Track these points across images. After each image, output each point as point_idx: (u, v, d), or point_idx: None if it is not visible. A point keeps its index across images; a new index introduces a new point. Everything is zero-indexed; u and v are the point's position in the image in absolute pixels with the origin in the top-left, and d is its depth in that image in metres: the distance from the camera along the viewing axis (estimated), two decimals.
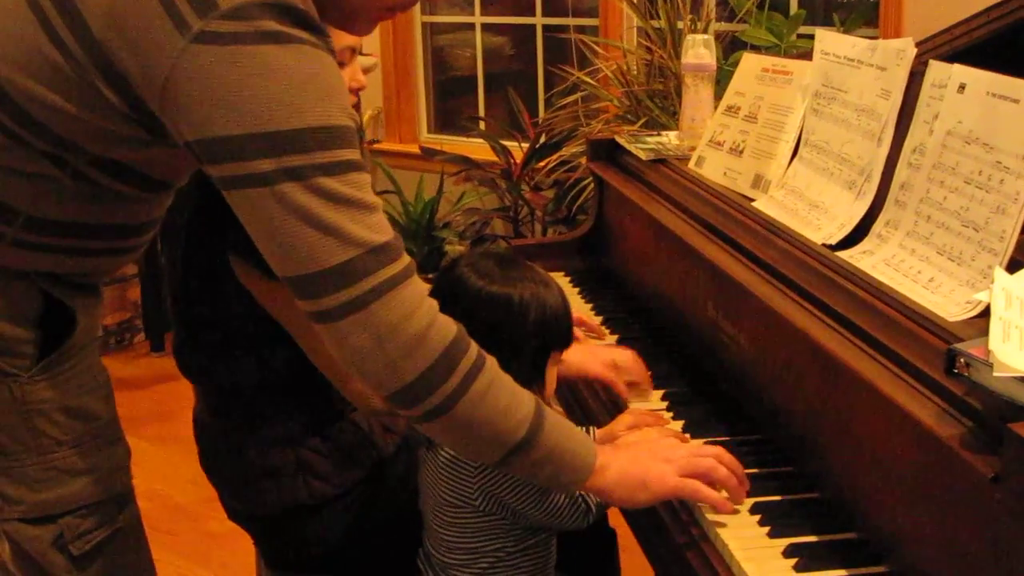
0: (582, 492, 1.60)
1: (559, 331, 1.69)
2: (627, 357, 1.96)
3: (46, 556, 1.59)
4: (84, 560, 1.61)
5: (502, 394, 1.43)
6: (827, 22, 3.90)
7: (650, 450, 1.59)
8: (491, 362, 1.44)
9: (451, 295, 1.64)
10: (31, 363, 1.54)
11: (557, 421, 1.49)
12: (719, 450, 1.59)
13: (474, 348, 1.41)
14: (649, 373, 1.96)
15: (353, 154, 1.33)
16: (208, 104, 1.26)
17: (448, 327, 1.39)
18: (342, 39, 1.84)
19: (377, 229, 1.33)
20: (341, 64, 1.86)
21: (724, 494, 1.55)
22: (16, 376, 1.53)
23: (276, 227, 1.30)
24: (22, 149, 1.42)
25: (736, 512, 1.52)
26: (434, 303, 1.39)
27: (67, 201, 1.49)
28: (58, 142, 1.41)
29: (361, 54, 2.06)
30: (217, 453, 1.92)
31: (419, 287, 1.38)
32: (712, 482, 1.54)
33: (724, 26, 4.03)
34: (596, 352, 1.97)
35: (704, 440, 1.73)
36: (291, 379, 1.82)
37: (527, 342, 1.63)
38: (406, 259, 1.37)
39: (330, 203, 1.29)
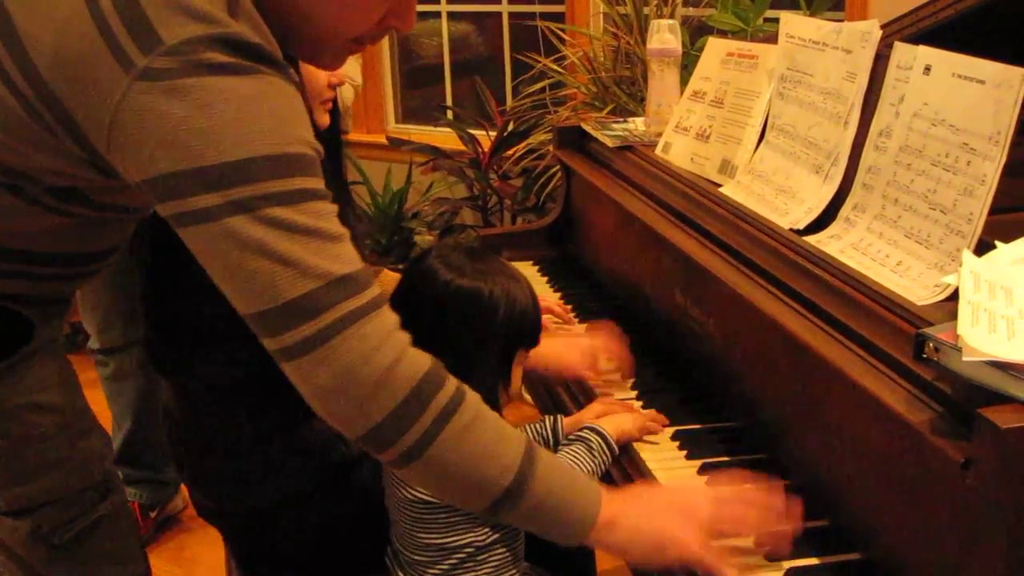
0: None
1: (527, 328, 1.66)
2: (605, 339, 1.95)
3: (26, 547, 1.59)
4: (65, 550, 1.60)
5: (484, 436, 1.35)
6: (793, 5, 3.89)
7: (669, 502, 1.46)
8: (472, 399, 1.36)
9: (420, 287, 1.62)
10: None
11: (552, 466, 1.41)
12: (746, 509, 1.43)
13: (451, 384, 1.34)
14: (628, 352, 1.94)
15: (311, 182, 1.27)
16: (153, 143, 1.21)
17: (419, 362, 1.32)
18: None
19: (339, 259, 1.27)
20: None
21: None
22: None
23: (229, 263, 1.25)
24: None
25: None
26: (405, 336, 1.33)
27: (20, 229, 1.45)
28: (15, 174, 1.37)
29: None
30: (186, 450, 1.91)
31: (386, 320, 1.31)
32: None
33: (691, 11, 4.01)
34: (574, 343, 1.95)
35: (675, 428, 1.72)
36: (261, 377, 1.79)
37: (495, 337, 1.60)
38: (373, 290, 1.30)
39: (285, 233, 1.23)
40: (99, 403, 2.77)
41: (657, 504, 1.46)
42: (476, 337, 1.58)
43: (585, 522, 1.41)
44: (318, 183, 1.28)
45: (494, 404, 1.54)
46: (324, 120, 1.90)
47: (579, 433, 1.68)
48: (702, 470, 1.61)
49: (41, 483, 1.57)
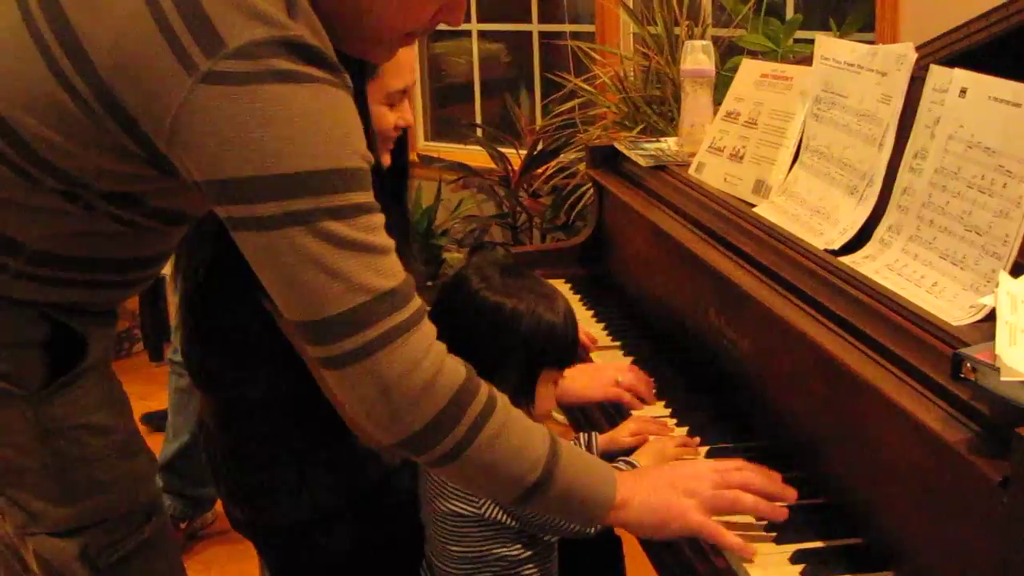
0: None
1: (552, 348, 1.67)
2: (627, 372, 1.97)
3: (72, 569, 1.58)
4: (111, 572, 1.60)
5: (514, 435, 1.41)
6: (823, 26, 3.90)
7: (672, 480, 1.54)
8: (503, 402, 1.42)
9: (451, 296, 1.67)
10: (41, 385, 1.52)
11: (573, 457, 1.47)
12: (746, 475, 1.54)
13: (484, 390, 1.39)
14: (651, 381, 1.96)
15: (364, 196, 1.30)
16: (214, 146, 1.23)
17: (457, 371, 1.37)
18: (394, 82, 1.84)
19: (386, 274, 1.31)
20: (391, 105, 1.87)
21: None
22: (27, 398, 1.52)
23: (282, 272, 1.28)
24: (31, 185, 1.39)
25: (754, 557, 1.46)
26: (442, 347, 1.37)
27: (76, 235, 1.47)
28: (69, 179, 1.39)
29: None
30: (222, 464, 1.92)
31: (428, 332, 1.35)
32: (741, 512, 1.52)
33: (721, 31, 4.03)
34: (597, 376, 1.96)
35: (708, 447, 1.73)
36: (300, 393, 1.82)
37: (514, 353, 1.62)
38: (416, 303, 1.34)
39: (337, 248, 1.27)
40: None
41: (663, 481, 1.54)
42: (496, 350, 1.60)
43: (605, 505, 1.48)
44: (370, 196, 1.31)
45: None
46: (386, 161, 1.91)
47: (616, 466, 1.68)
48: None
49: (89, 504, 1.57)
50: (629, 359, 2.10)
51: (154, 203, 1.48)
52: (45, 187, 1.40)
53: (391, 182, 1.86)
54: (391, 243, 1.34)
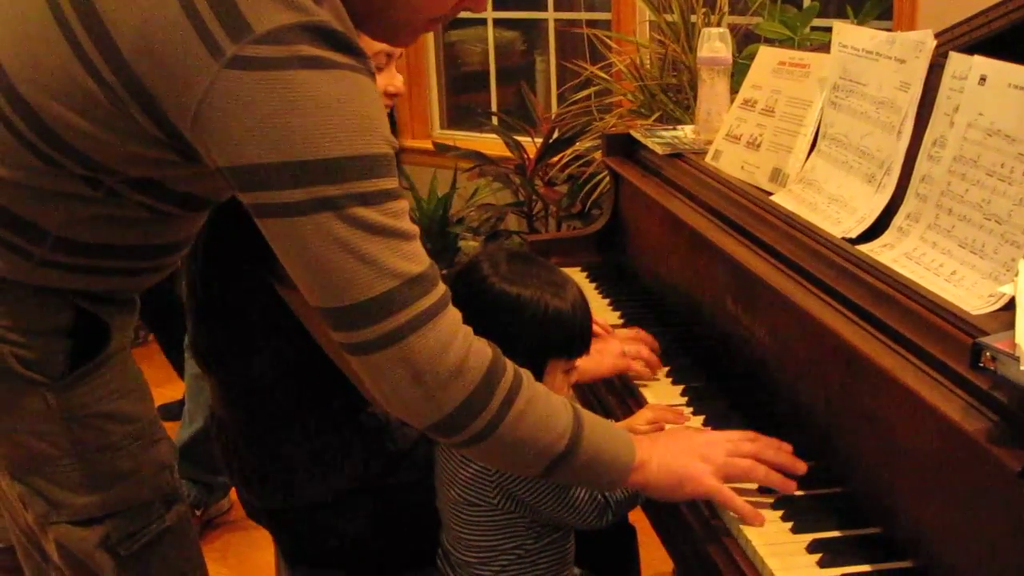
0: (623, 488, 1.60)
1: (560, 337, 1.66)
2: (632, 340, 2.00)
3: (94, 558, 1.59)
4: (132, 560, 1.61)
5: (540, 409, 1.42)
6: (840, 14, 3.89)
7: (689, 445, 1.59)
8: (527, 378, 1.43)
9: (463, 282, 1.66)
10: (65, 372, 1.53)
11: (594, 424, 1.49)
12: (759, 446, 1.59)
13: (510, 368, 1.40)
14: (656, 344, 2.01)
15: (390, 182, 1.30)
16: (241, 131, 1.23)
17: (484, 352, 1.38)
18: (376, 43, 1.83)
19: (414, 259, 1.31)
20: (378, 69, 1.86)
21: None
22: (50, 385, 1.52)
23: (310, 258, 1.28)
24: (55, 171, 1.40)
25: (763, 522, 1.50)
26: (469, 330, 1.38)
27: (99, 221, 1.47)
28: (93, 165, 1.39)
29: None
30: (234, 448, 1.93)
31: (455, 315, 1.36)
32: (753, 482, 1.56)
33: (737, 19, 4.01)
34: (604, 350, 1.96)
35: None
36: (307, 373, 1.82)
37: (521, 340, 1.61)
38: (441, 287, 1.34)
39: (367, 233, 1.26)
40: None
41: (678, 446, 1.59)
42: (504, 337, 1.59)
43: (626, 468, 1.52)
44: (395, 182, 1.31)
45: None
46: None
47: None
48: None
49: (111, 493, 1.58)
50: (623, 329, 2.12)
51: (177, 189, 1.48)
52: (69, 173, 1.40)
53: None
54: (416, 228, 1.34)
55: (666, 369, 2.00)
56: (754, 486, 1.57)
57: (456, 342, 1.33)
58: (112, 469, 1.59)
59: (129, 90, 1.29)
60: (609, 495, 1.62)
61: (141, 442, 1.62)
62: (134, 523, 1.61)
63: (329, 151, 1.24)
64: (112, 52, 1.28)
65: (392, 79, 1.91)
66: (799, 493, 1.55)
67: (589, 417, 1.49)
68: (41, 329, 1.51)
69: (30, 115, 1.36)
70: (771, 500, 1.54)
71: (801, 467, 1.57)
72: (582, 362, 1.82)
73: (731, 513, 1.52)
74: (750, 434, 1.63)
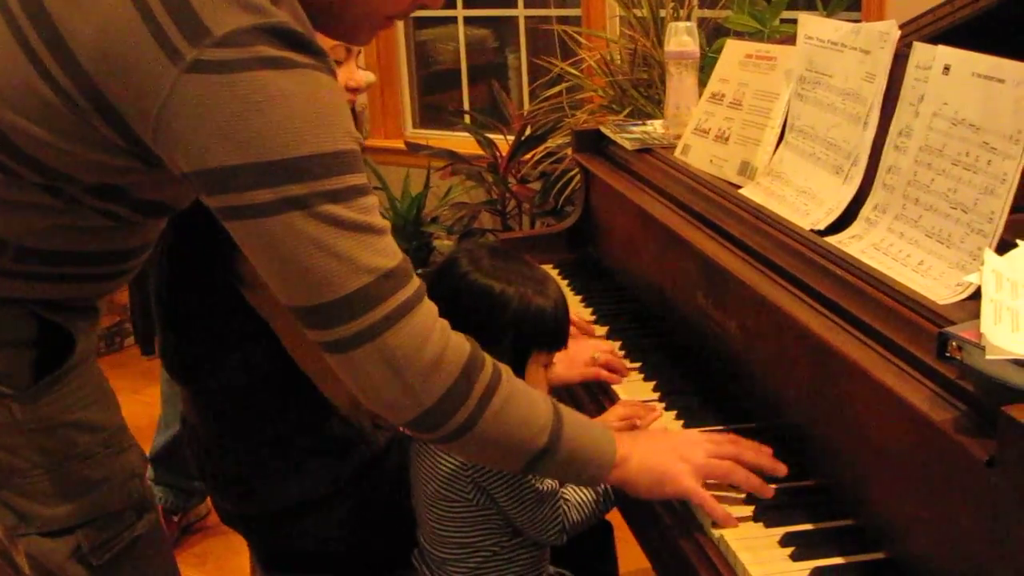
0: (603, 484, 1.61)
1: (541, 331, 1.67)
2: (601, 348, 2.00)
3: (65, 569, 1.57)
4: (104, 570, 1.59)
5: (520, 405, 1.42)
6: (810, 6, 3.89)
7: (670, 444, 1.59)
8: (507, 373, 1.42)
9: (441, 278, 1.67)
10: (28, 383, 1.51)
11: (574, 419, 1.49)
12: (740, 448, 1.58)
13: (489, 363, 1.40)
14: (624, 361, 2.00)
15: (358, 178, 1.29)
16: (204, 135, 1.22)
17: (462, 346, 1.37)
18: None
19: (386, 253, 1.30)
20: (337, 63, 1.85)
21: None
22: (15, 396, 1.51)
23: (282, 257, 1.27)
24: (13, 181, 1.38)
25: (736, 525, 1.49)
26: (446, 323, 1.37)
27: (60, 230, 1.45)
28: (52, 174, 1.37)
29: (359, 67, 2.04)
30: (207, 455, 1.91)
31: (431, 309, 1.36)
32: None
33: (707, 12, 4.01)
34: (573, 357, 1.96)
35: (698, 430, 1.73)
36: (278, 377, 1.81)
37: (503, 335, 1.62)
38: (416, 281, 1.34)
39: (337, 230, 1.26)
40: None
41: (660, 444, 1.59)
42: (486, 332, 1.59)
43: (607, 464, 1.51)
44: (363, 177, 1.31)
45: None
46: None
47: None
48: None
49: (81, 502, 1.57)
50: (615, 343, 2.10)
51: (138, 195, 1.47)
52: (26, 183, 1.38)
53: None
54: (386, 223, 1.33)
55: (638, 365, 1.99)
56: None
57: (433, 336, 1.33)
58: (81, 479, 1.57)
59: (88, 99, 1.28)
60: (566, 520, 1.64)
61: (110, 450, 1.60)
62: (105, 532, 1.60)
63: (294, 150, 1.23)
64: (69, 60, 1.27)
65: (352, 74, 1.90)
66: (771, 486, 1.54)
67: (569, 413, 1.49)
68: (4, 341, 1.50)
69: None
70: (743, 495, 1.54)
71: (781, 470, 1.56)
72: (554, 370, 1.83)
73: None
74: (731, 436, 1.62)
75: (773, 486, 1.54)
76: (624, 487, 1.57)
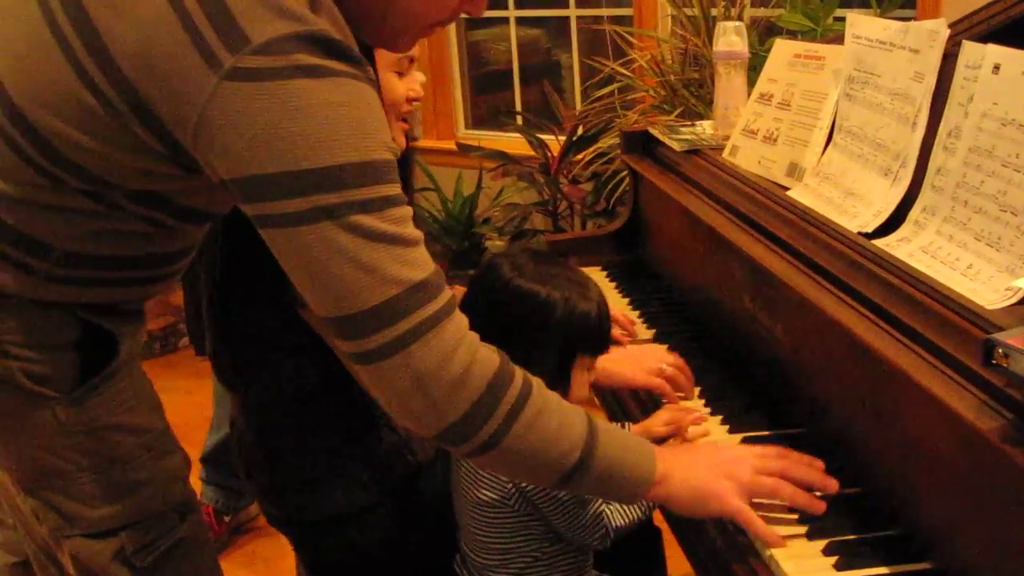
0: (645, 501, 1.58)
1: (586, 335, 1.66)
2: (671, 362, 1.92)
3: (109, 570, 1.59)
4: (148, 572, 1.60)
5: (552, 420, 1.39)
6: (864, 4, 3.84)
7: (713, 461, 1.54)
8: (538, 387, 1.40)
9: (483, 284, 1.66)
10: (74, 386, 1.52)
11: (612, 436, 1.46)
12: (788, 463, 1.52)
13: (519, 377, 1.38)
14: (691, 375, 1.92)
15: (392, 189, 1.29)
16: (242, 142, 1.23)
17: (490, 360, 1.35)
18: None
19: (417, 265, 1.29)
20: (399, 74, 1.84)
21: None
22: (60, 399, 1.52)
23: (312, 267, 1.27)
24: (56, 186, 1.39)
25: (785, 545, 1.44)
26: (475, 336, 1.36)
27: (103, 235, 1.46)
28: (94, 179, 1.38)
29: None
30: (255, 461, 1.92)
31: (460, 322, 1.34)
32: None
33: (760, 11, 3.98)
34: (640, 360, 1.93)
35: (742, 435, 1.71)
36: (328, 387, 1.81)
37: (549, 341, 1.61)
38: (447, 294, 1.33)
39: (368, 241, 1.25)
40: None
41: (704, 461, 1.53)
42: (531, 338, 1.58)
43: (645, 481, 1.47)
44: (398, 188, 1.30)
45: None
46: (401, 140, 1.87)
47: None
48: None
49: (125, 504, 1.58)
50: (665, 346, 2.07)
51: (179, 202, 1.47)
52: (69, 187, 1.39)
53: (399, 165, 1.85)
54: (420, 234, 1.32)
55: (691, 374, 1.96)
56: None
57: (461, 349, 1.32)
58: (125, 481, 1.58)
59: (128, 104, 1.29)
60: (610, 524, 1.63)
61: (153, 453, 1.61)
62: (148, 534, 1.61)
63: (328, 159, 1.23)
64: (110, 66, 1.27)
65: (412, 84, 1.89)
66: (816, 494, 1.51)
67: (606, 428, 1.46)
68: (49, 344, 1.51)
69: (30, 131, 1.36)
70: (795, 517, 1.49)
71: (832, 485, 1.51)
72: (617, 368, 1.81)
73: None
74: (779, 450, 1.57)
75: (824, 502, 1.48)
76: (667, 505, 1.54)
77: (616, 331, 2.04)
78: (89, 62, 1.29)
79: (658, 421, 1.77)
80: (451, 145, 5.17)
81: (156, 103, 1.27)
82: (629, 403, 1.96)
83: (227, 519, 3.38)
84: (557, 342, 1.63)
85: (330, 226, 1.24)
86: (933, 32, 1.70)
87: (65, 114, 1.33)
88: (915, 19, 3.08)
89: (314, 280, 1.28)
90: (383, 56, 1.77)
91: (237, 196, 1.29)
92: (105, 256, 1.50)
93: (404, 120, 1.88)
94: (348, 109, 1.26)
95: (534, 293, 1.63)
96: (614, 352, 1.85)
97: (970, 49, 1.59)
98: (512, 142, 4.95)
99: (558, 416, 1.40)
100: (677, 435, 1.73)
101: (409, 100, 1.88)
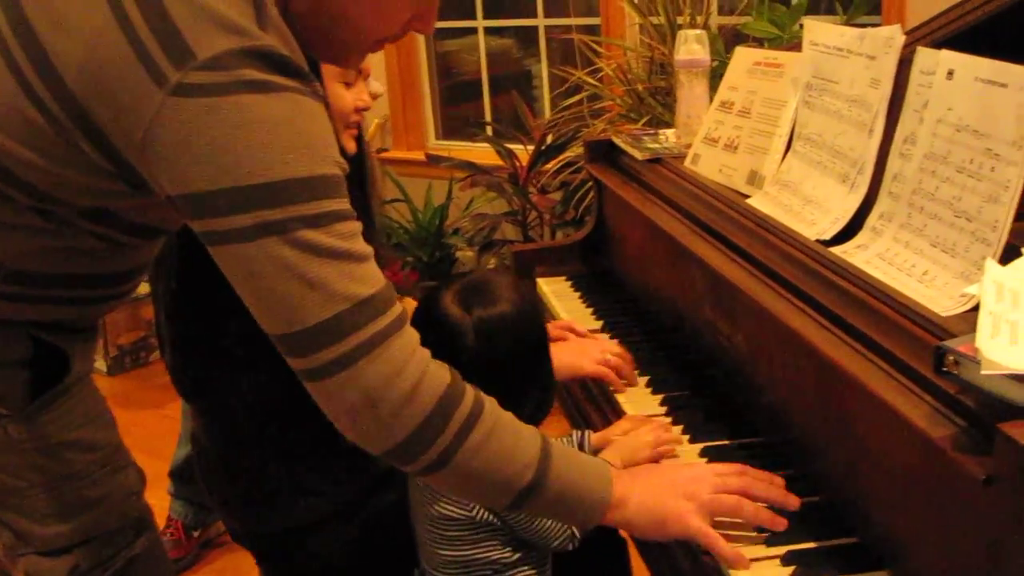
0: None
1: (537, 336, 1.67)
2: (614, 351, 1.96)
3: None
4: None
5: (504, 439, 1.37)
6: (830, 11, 3.85)
7: (672, 481, 1.51)
8: (490, 406, 1.38)
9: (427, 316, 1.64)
10: (24, 404, 1.51)
11: (567, 458, 1.44)
12: (748, 480, 1.50)
13: (470, 395, 1.36)
14: (633, 361, 1.97)
15: (339, 204, 1.27)
16: (187, 159, 1.21)
17: (440, 377, 1.33)
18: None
19: (364, 280, 1.28)
20: (348, 84, 1.84)
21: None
22: (11, 417, 1.50)
23: (259, 283, 1.25)
24: (6, 204, 1.38)
25: (748, 566, 1.41)
26: (426, 352, 1.34)
27: (53, 252, 1.45)
28: (44, 197, 1.37)
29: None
30: (214, 473, 1.90)
31: (410, 337, 1.32)
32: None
33: (726, 19, 3.98)
34: (587, 350, 1.95)
35: (702, 444, 1.70)
36: (284, 400, 1.79)
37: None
38: (396, 308, 1.31)
39: (314, 256, 1.24)
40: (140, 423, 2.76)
41: (661, 482, 1.51)
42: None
43: (601, 504, 1.46)
44: (345, 203, 1.28)
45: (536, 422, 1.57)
46: (351, 146, 1.89)
47: None
48: None
49: (79, 521, 1.56)
50: (608, 334, 2.10)
51: (129, 219, 1.46)
52: (18, 205, 1.38)
53: (352, 168, 1.85)
54: (369, 249, 1.31)
55: (646, 379, 1.96)
56: None
57: (410, 365, 1.30)
58: (79, 498, 1.57)
59: (75, 121, 1.27)
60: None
61: (107, 469, 1.60)
62: (103, 551, 1.59)
63: (274, 174, 1.22)
64: (56, 83, 1.26)
65: (360, 94, 1.89)
66: (783, 519, 1.47)
67: (561, 450, 1.44)
68: (0, 361, 1.49)
69: None
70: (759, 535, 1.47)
71: (793, 503, 1.49)
72: (563, 357, 1.81)
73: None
74: (739, 467, 1.54)
75: (785, 519, 1.46)
76: (625, 529, 1.52)
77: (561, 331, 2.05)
78: (36, 79, 1.27)
79: (618, 430, 1.76)
80: (421, 156, 5.16)
81: (102, 119, 1.25)
82: (586, 407, 1.96)
83: (196, 534, 3.35)
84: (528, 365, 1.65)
85: (276, 242, 1.22)
86: (889, 39, 1.70)
87: (13, 131, 1.31)
88: (880, 25, 3.09)
89: (261, 297, 1.26)
90: (329, 68, 1.76)
91: (184, 213, 1.27)
92: (54, 274, 1.48)
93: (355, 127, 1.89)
94: (294, 124, 1.24)
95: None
96: (562, 344, 1.89)
97: (924, 55, 1.58)
98: (482, 152, 4.94)
99: (511, 436, 1.39)
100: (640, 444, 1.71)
101: (357, 110, 1.88)
